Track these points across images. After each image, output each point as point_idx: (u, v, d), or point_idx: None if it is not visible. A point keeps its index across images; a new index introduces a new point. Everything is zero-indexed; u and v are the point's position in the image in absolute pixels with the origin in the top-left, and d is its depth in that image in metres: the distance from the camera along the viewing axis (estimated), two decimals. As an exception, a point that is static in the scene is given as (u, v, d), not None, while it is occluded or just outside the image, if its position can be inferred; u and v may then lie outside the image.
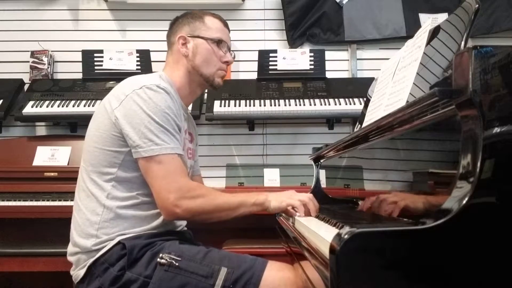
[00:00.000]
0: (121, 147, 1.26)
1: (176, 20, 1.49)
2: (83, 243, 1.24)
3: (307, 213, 1.29)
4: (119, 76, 2.25)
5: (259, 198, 1.29)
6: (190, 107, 2.38)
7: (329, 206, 1.63)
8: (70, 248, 1.29)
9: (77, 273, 1.26)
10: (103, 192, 1.26)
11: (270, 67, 2.62)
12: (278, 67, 2.61)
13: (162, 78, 1.34)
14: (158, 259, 1.19)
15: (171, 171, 1.21)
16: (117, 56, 2.58)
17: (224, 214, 1.28)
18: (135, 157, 1.23)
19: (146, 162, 1.22)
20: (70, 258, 1.30)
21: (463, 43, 0.98)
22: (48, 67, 2.64)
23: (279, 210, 1.33)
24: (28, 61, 2.64)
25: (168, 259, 1.19)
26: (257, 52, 2.63)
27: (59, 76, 2.70)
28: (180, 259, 1.20)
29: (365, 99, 1.72)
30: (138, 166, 1.25)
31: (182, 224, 1.44)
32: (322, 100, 2.44)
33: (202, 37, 1.42)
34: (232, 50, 2.66)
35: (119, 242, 1.23)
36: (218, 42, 1.43)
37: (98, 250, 1.23)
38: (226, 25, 1.49)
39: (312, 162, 1.93)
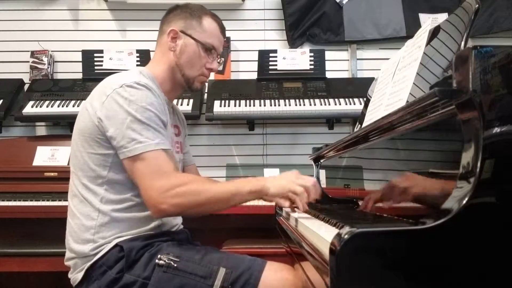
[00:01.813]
0: (107, 149, 1.23)
1: (175, 9, 1.42)
2: (80, 249, 1.23)
3: (308, 199, 1.21)
4: (119, 76, 2.25)
5: (255, 185, 1.22)
6: (190, 106, 2.39)
7: (329, 206, 1.63)
8: (67, 254, 1.29)
9: (75, 277, 1.25)
10: (96, 196, 1.24)
11: (270, 67, 2.62)
12: (278, 67, 2.61)
13: (143, 74, 1.30)
14: (157, 260, 1.18)
15: (156, 167, 1.18)
16: (117, 56, 2.58)
17: (217, 206, 1.23)
18: (121, 158, 1.21)
19: (131, 162, 1.19)
20: (67, 263, 1.29)
21: (463, 43, 0.98)
22: (48, 67, 2.64)
23: (280, 196, 1.23)
24: (28, 61, 2.64)
25: (166, 260, 1.18)
26: (257, 52, 2.63)
27: (59, 76, 2.70)
28: (178, 260, 1.19)
29: (365, 99, 1.72)
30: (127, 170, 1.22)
31: (178, 223, 1.42)
32: (322, 100, 2.44)
33: (193, 38, 1.37)
34: (232, 50, 2.66)
35: (116, 245, 1.21)
36: (208, 49, 1.38)
37: (96, 254, 1.22)
38: (223, 31, 1.44)
39: (312, 162, 1.93)
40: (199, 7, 1.43)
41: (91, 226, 1.23)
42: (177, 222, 1.42)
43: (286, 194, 1.22)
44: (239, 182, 1.26)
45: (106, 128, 1.20)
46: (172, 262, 1.18)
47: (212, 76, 2.61)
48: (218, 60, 1.44)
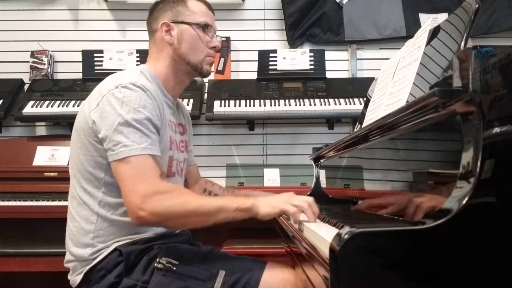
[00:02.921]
0: (102, 152, 1.20)
1: (157, 5, 1.39)
2: (80, 253, 1.23)
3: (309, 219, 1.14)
4: (119, 76, 2.25)
5: (244, 203, 1.15)
6: (190, 106, 2.39)
7: (329, 206, 1.63)
8: (67, 256, 1.28)
9: (74, 279, 1.25)
10: (95, 199, 1.23)
11: (270, 67, 2.62)
12: (278, 67, 2.61)
13: (144, 73, 1.28)
14: (155, 264, 1.17)
15: (138, 172, 1.13)
16: (117, 56, 2.58)
17: (200, 220, 1.15)
18: (109, 161, 1.17)
19: (117, 165, 1.15)
20: (66, 265, 1.29)
21: (463, 43, 0.98)
22: (48, 67, 2.64)
23: (270, 217, 1.17)
24: (28, 61, 2.64)
25: (165, 264, 1.17)
26: (257, 52, 2.63)
27: (59, 76, 2.70)
28: (177, 263, 1.18)
29: (365, 99, 1.72)
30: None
31: None
32: (322, 100, 2.44)
33: (186, 23, 1.34)
34: (232, 50, 2.65)
35: (115, 249, 1.21)
36: (204, 27, 1.35)
37: (95, 258, 1.21)
38: (210, 8, 1.41)
39: (312, 162, 1.93)
40: None
41: (90, 230, 1.23)
42: None
43: (277, 214, 1.17)
44: (227, 198, 1.21)
45: (98, 130, 1.18)
46: (171, 266, 1.17)
47: (212, 76, 2.63)
48: (219, 40, 1.41)
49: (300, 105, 2.41)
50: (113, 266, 1.19)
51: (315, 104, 2.41)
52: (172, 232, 1.35)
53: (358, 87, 2.47)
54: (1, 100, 2.46)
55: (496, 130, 0.72)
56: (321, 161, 1.88)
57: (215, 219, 1.15)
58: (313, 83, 2.55)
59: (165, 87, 1.34)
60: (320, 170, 1.87)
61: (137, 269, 1.19)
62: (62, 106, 2.40)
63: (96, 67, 2.58)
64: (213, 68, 2.61)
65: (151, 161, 1.16)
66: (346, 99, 2.45)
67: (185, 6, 1.36)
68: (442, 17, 2.56)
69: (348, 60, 2.76)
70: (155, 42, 1.38)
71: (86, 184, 1.24)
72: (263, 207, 1.15)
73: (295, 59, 2.62)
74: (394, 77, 1.20)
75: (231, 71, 2.68)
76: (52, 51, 2.69)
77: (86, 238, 1.23)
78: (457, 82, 0.77)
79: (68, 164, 2.26)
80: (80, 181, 1.25)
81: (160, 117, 1.25)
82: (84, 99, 1.33)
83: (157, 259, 1.18)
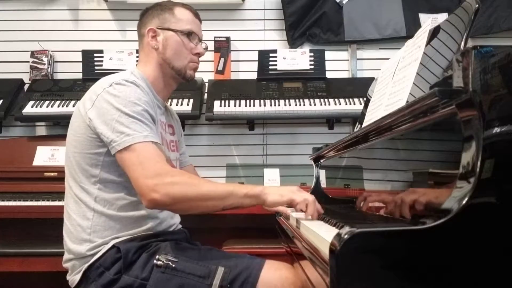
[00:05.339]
0: (98, 148, 1.24)
1: (146, 12, 1.46)
2: (78, 249, 1.23)
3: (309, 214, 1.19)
4: (119, 76, 2.25)
5: (253, 189, 1.18)
6: (190, 106, 2.39)
7: (329, 206, 1.63)
8: (65, 256, 1.29)
9: (73, 278, 1.25)
10: (91, 196, 1.25)
11: (270, 67, 2.62)
12: (278, 67, 2.61)
13: (134, 74, 1.33)
14: (155, 261, 1.18)
15: (146, 157, 1.16)
16: (117, 56, 2.58)
17: (210, 204, 1.17)
18: (113, 154, 1.20)
19: (121, 154, 1.18)
20: (65, 265, 1.29)
21: (463, 43, 0.98)
22: (48, 67, 2.64)
23: (277, 205, 1.23)
24: (28, 61, 2.64)
25: (164, 261, 1.18)
26: (257, 52, 2.63)
27: (59, 76, 2.70)
28: (176, 260, 1.19)
29: (365, 99, 1.72)
30: (119, 165, 1.22)
31: (176, 222, 1.42)
32: (322, 100, 2.44)
33: (172, 30, 1.40)
34: (232, 50, 2.65)
35: (113, 246, 1.22)
36: (188, 34, 1.41)
37: (93, 255, 1.22)
38: (197, 16, 1.46)
39: (312, 162, 1.93)
40: (168, 1, 1.47)
41: (87, 226, 1.24)
42: (174, 221, 1.42)
43: (286, 202, 1.19)
44: (236, 184, 1.25)
45: (96, 126, 1.22)
46: (170, 263, 1.18)
47: (212, 76, 2.63)
48: (204, 46, 1.46)
49: (300, 105, 2.41)
50: (111, 263, 1.20)
51: (315, 104, 2.41)
52: (169, 228, 1.36)
53: (358, 87, 2.47)
54: (1, 100, 2.46)
55: (496, 130, 0.72)
56: (321, 161, 1.88)
57: (224, 203, 1.17)
58: (313, 83, 2.55)
59: (154, 89, 1.38)
60: (320, 170, 1.87)
61: (136, 266, 1.19)
62: (62, 106, 2.40)
63: (96, 67, 2.58)
64: (213, 68, 2.63)
65: (155, 147, 1.20)
66: (346, 99, 2.45)
67: (172, 14, 1.42)
68: (442, 17, 2.56)
69: (348, 60, 2.76)
70: (143, 47, 1.44)
71: (82, 182, 1.27)
72: (272, 195, 1.18)
73: (295, 59, 2.62)
74: (394, 77, 1.20)
75: (231, 71, 2.68)
76: (52, 51, 2.69)
77: (83, 234, 1.24)
78: (457, 82, 0.77)
79: (67, 164, 2.28)
80: (75, 179, 1.28)
81: (154, 109, 1.30)
82: (84, 99, 1.34)
83: (156, 256, 1.19)
